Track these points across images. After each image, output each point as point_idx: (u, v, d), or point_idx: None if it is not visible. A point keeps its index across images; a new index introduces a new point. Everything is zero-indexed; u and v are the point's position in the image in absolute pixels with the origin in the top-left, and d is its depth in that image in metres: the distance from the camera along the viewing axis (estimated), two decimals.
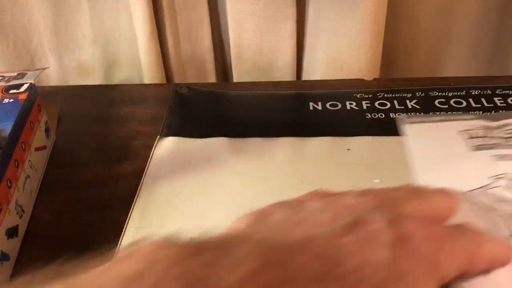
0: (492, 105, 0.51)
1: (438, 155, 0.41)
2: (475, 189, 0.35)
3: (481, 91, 0.54)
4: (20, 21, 0.63)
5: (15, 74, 0.49)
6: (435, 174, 0.39)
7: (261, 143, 0.48)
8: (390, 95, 0.54)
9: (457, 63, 0.69)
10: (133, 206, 0.41)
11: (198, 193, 0.42)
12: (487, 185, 0.35)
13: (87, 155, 0.49)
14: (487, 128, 0.45)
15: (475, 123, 0.46)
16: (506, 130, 0.44)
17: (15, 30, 0.64)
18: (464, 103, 0.52)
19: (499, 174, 0.36)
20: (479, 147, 0.41)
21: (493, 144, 0.41)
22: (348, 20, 0.59)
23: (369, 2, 0.57)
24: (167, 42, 0.65)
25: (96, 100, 0.58)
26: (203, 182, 0.43)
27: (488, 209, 0.32)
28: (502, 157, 0.38)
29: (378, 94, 0.54)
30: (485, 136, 0.43)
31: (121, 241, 0.38)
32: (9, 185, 0.38)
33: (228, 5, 0.61)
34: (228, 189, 0.42)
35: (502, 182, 0.35)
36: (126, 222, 0.40)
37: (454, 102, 0.52)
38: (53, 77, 0.67)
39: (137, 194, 0.43)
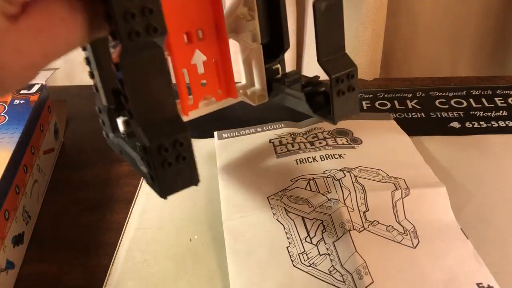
0: (492, 105, 0.51)
1: (243, 165, 0.43)
2: (279, 191, 0.39)
3: (481, 91, 0.54)
4: None
5: None
6: (238, 182, 0.41)
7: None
8: (391, 95, 0.54)
9: (457, 63, 0.69)
10: (133, 207, 0.41)
11: (198, 194, 0.42)
12: (288, 186, 0.39)
13: (89, 156, 0.49)
14: (294, 134, 0.47)
15: (283, 131, 0.48)
16: (311, 134, 0.47)
17: None
18: (465, 103, 0.52)
19: (299, 176, 0.40)
20: (285, 154, 0.44)
21: (297, 149, 0.44)
22: (348, 20, 0.59)
23: (369, 3, 0.57)
24: None
25: None
26: (202, 182, 0.43)
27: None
28: (302, 161, 0.42)
29: (378, 94, 0.54)
30: (293, 142, 0.45)
31: (120, 242, 0.38)
32: (17, 191, 0.38)
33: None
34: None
35: (299, 183, 0.39)
36: (126, 222, 0.40)
37: (455, 102, 0.52)
38: (58, 72, 0.67)
39: (136, 194, 0.43)
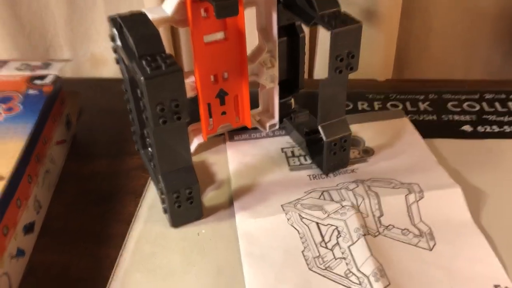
0: (506, 109, 0.51)
1: (256, 171, 0.44)
2: (293, 200, 0.40)
3: (495, 95, 0.53)
4: (36, 13, 0.63)
5: (39, 63, 0.49)
6: (250, 188, 0.42)
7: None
8: (403, 97, 0.54)
9: (472, 66, 0.68)
10: (142, 200, 0.42)
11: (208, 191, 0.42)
12: (302, 197, 0.40)
13: (100, 148, 0.49)
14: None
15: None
16: None
17: (32, 21, 0.64)
18: (478, 107, 0.52)
19: (311, 189, 0.41)
20: (298, 167, 0.44)
21: (310, 163, 0.44)
22: (362, 21, 0.59)
23: (382, 4, 0.57)
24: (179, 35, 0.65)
25: (112, 92, 0.58)
26: (213, 179, 0.44)
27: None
28: (315, 177, 0.43)
29: (390, 95, 0.54)
30: (305, 155, 0.45)
31: (129, 234, 0.38)
32: (29, 180, 0.38)
33: None
34: None
35: (313, 194, 0.40)
36: (135, 215, 0.40)
37: (467, 106, 0.52)
38: (67, 67, 0.67)
39: (146, 187, 0.43)
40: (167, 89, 0.32)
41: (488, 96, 0.53)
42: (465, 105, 0.52)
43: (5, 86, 0.44)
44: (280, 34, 0.44)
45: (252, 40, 0.45)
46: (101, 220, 0.40)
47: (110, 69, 0.68)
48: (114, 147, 0.49)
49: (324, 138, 0.40)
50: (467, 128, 0.48)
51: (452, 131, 0.48)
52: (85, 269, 0.36)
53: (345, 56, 0.37)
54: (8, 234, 0.34)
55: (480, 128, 0.48)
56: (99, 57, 0.67)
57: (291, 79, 0.47)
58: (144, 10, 0.37)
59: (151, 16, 0.36)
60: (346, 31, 0.36)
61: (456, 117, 0.50)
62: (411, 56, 0.67)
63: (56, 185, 0.44)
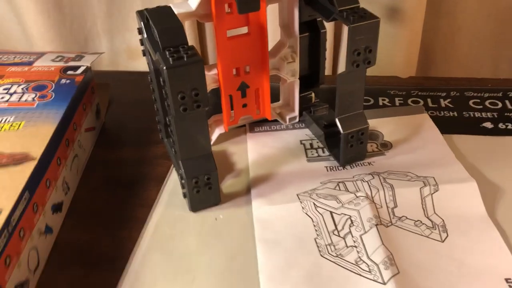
0: None
1: (274, 162, 0.45)
2: (309, 190, 0.41)
3: None
4: (78, 2, 0.66)
5: (73, 55, 0.52)
6: (268, 176, 0.43)
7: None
8: (424, 93, 0.54)
9: (498, 65, 0.68)
10: (164, 186, 0.43)
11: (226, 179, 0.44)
12: (317, 187, 0.41)
13: (127, 137, 0.51)
14: None
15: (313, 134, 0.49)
16: None
17: (73, 11, 0.67)
18: (500, 104, 0.51)
19: (327, 180, 0.42)
20: (316, 159, 0.45)
21: (328, 155, 0.45)
22: (386, 19, 0.59)
23: (406, 2, 0.57)
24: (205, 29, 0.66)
25: (142, 85, 0.60)
26: (232, 168, 0.45)
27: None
28: (332, 168, 0.44)
29: (412, 92, 0.54)
30: (323, 148, 0.46)
31: (150, 217, 0.40)
32: (59, 163, 0.41)
33: None
34: None
35: (329, 185, 0.41)
36: (156, 200, 0.42)
37: (489, 103, 0.52)
38: (104, 58, 0.70)
39: (168, 174, 0.45)
40: (188, 78, 0.34)
41: (511, 94, 0.53)
42: (487, 102, 0.52)
43: (40, 76, 0.47)
44: (302, 30, 0.45)
45: (276, 37, 0.46)
46: (124, 204, 0.42)
47: (145, 62, 0.70)
48: (140, 136, 0.51)
49: (341, 130, 0.41)
50: (488, 125, 0.48)
51: (473, 127, 0.48)
52: (107, 248, 0.38)
53: (362, 50, 0.38)
54: (37, 211, 0.36)
55: (501, 125, 0.48)
56: (134, 48, 0.69)
57: (312, 74, 0.48)
58: (171, 4, 0.39)
59: (176, 10, 0.38)
60: (364, 26, 0.37)
61: (477, 114, 0.50)
62: (437, 54, 0.67)
63: (84, 169, 0.46)
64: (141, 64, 0.70)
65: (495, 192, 0.40)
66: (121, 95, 0.58)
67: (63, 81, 0.46)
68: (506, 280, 0.33)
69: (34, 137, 0.39)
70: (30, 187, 0.35)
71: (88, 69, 0.49)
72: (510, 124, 0.48)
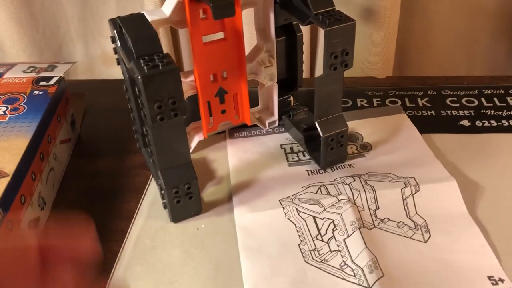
0: (504, 104, 0.51)
1: (255, 167, 0.45)
2: (291, 195, 0.41)
3: (494, 90, 0.54)
4: (49, 9, 0.65)
5: (45, 65, 0.50)
6: (249, 183, 0.43)
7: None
8: (402, 93, 0.54)
9: (473, 63, 0.68)
10: (143, 197, 0.43)
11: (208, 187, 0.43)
12: (299, 192, 0.41)
13: (104, 147, 0.50)
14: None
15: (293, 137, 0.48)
16: None
17: (44, 18, 0.65)
18: (476, 102, 0.52)
19: (308, 184, 0.42)
20: (296, 163, 0.45)
21: (309, 159, 0.45)
22: (361, 19, 0.59)
23: (381, 3, 0.58)
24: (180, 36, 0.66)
25: (117, 93, 0.59)
26: (213, 177, 0.45)
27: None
28: (313, 172, 0.44)
29: (389, 92, 0.55)
30: (303, 151, 0.46)
31: (130, 229, 0.39)
32: (34, 177, 0.39)
33: None
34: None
35: (310, 189, 0.41)
36: (136, 211, 0.41)
37: (466, 101, 0.52)
38: (79, 65, 0.69)
39: (147, 185, 0.44)
40: (164, 87, 0.33)
41: (487, 91, 0.53)
42: (463, 100, 0.52)
43: (11, 88, 0.46)
44: (278, 34, 0.45)
45: (252, 42, 0.46)
46: (104, 217, 0.41)
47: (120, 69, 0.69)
48: (117, 146, 0.50)
49: (321, 134, 0.41)
50: (465, 122, 0.49)
51: (450, 126, 0.48)
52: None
53: (339, 53, 0.38)
54: (12, 229, 0.35)
55: (478, 123, 0.48)
56: (109, 54, 0.68)
57: (290, 78, 0.48)
58: (144, 12, 0.38)
59: (150, 17, 0.38)
60: (340, 29, 0.37)
61: (455, 112, 0.50)
62: (412, 54, 0.68)
63: (60, 182, 0.45)
64: (117, 71, 0.69)
65: (475, 190, 0.41)
66: (97, 104, 0.57)
67: (36, 92, 0.45)
68: (489, 277, 0.33)
69: (7, 152, 0.38)
70: (4, 204, 0.34)
71: (61, 79, 0.47)
72: (486, 122, 0.49)
